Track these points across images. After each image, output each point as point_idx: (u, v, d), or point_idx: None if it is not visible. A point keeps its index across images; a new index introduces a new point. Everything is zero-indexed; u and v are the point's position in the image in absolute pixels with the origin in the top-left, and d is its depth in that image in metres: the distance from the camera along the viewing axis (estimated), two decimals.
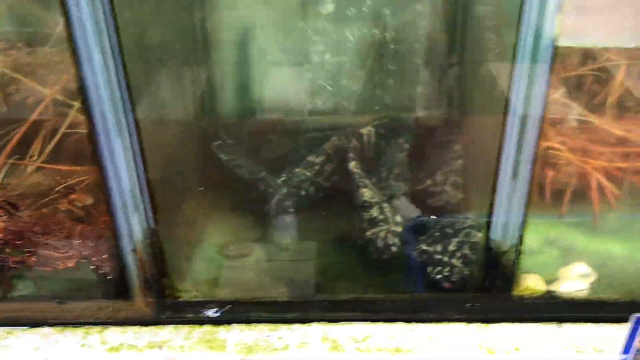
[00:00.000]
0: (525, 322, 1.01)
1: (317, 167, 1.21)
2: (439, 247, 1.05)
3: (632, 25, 0.78)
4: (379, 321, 1.02)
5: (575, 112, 1.22)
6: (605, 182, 1.22)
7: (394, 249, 1.06)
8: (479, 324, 1.02)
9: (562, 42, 0.80)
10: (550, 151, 1.16)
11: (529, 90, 0.83)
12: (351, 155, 1.17)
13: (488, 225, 0.95)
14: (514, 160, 0.88)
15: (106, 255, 0.96)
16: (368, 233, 1.07)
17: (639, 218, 1.22)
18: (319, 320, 1.02)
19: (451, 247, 1.04)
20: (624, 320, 0.96)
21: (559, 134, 1.20)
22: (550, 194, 1.21)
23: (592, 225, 1.20)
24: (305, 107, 1.32)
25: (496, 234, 0.96)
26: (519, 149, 0.88)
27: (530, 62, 0.81)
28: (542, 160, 1.19)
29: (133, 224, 0.92)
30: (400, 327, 1.02)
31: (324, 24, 1.28)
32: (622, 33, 0.79)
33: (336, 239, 1.14)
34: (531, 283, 1.02)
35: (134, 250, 0.94)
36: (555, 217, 1.21)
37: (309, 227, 1.17)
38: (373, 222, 1.08)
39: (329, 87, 1.32)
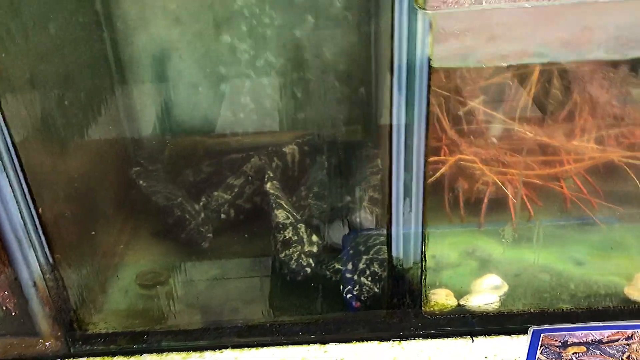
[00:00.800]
0: (437, 338, 1.02)
1: (236, 189, 1.21)
2: (350, 266, 1.05)
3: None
4: (292, 344, 1.01)
5: (488, 123, 1.23)
6: (522, 191, 1.23)
7: (308, 269, 1.06)
8: (391, 342, 1.02)
9: (436, 63, 0.81)
10: (463, 163, 1.17)
11: (408, 108, 0.84)
12: (267, 175, 1.17)
13: (389, 242, 0.95)
14: (404, 178, 0.89)
15: (8, 292, 0.95)
16: (282, 255, 1.07)
17: (558, 225, 1.23)
18: (232, 346, 1.02)
19: (361, 266, 1.04)
20: None
21: (473, 145, 1.21)
22: (468, 205, 1.22)
23: (511, 235, 1.21)
24: (226, 128, 1.32)
25: (398, 252, 0.96)
26: (407, 167, 0.88)
27: (406, 81, 0.82)
28: (455, 172, 1.20)
29: (30, 259, 0.91)
30: (313, 348, 1.01)
31: (242, 45, 1.29)
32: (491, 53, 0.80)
33: (253, 262, 1.14)
34: (440, 298, 1.02)
35: (35, 285, 0.94)
36: (475, 227, 1.22)
37: (227, 250, 1.16)
38: (287, 244, 1.08)
39: (250, 107, 1.33)
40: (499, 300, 1.04)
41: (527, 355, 0.89)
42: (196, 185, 1.25)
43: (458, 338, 1.02)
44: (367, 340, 1.02)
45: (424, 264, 0.97)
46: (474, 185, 1.21)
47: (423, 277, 0.98)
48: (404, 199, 0.91)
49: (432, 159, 1.22)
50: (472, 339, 1.02)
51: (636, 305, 1.01)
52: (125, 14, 1.22)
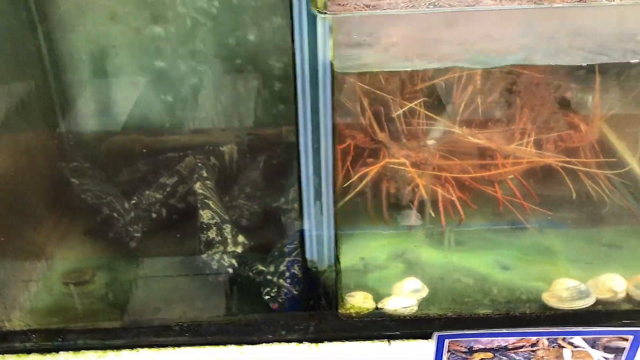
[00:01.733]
0: (355, 341, 1.02)
1: (168, 189, 1.21)
2: (272, 268, 1.06)
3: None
4: (209, 345, 1.02)
5: (422, 126, 1.23)
6: (455, 194, 1.23)
7: (230, 270, 1.06)
8: (309, 344, 1.02)
9: (339, 69, 0.81)
10: (392, 166, 1.17)
11: (313, 113, 0.84)
12: (197, 175, 1.17)
13: (302, 246, 0.95)
14: (314, 182, 0.89)
15: None
16: (204, 255, 1.07)
17: (490, 229, 1.23)
18: (149, 345, 1.02)
19: (282, 267, 1.05)
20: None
21: (403, 148, 1.21)
22: (399, 207, 1.22)
23: (440, 238, 1.21)
24: (165, 126, 1.32)
25: (312, 255, 0.96)
26: (315, 171, 0.88)
27: (310, 85, 0.82)
28: (387, 174, 1.20)
29: None
30: (229, 350, 1.02)
31: (181, 42, 1.28)
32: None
33: (180, 262, 1.14)
34: (357, 301, 1.02)
35: None
36: (405, 230, 1.22)
37: (155, 250, 1.16)
38: (209, 244, 1.08)
39: (190, 105, 1.32)
40: (417, 304, 1.04)
41: None
42: (131, 183, 1.24)
43: (375, 341, 1.02)
44: (284, 342, 1.02)
45: (338, 267, 0.97)
46: (405, 188, 1.22)
47: (338, 280, 0.98)
48: (315, 202, 0.91)
49: (369, 161, 1.24)
50: (389, 342, 1.02)
51: (552, 312, 1.02)
52: (61, 9, 1.22)
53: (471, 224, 1.24)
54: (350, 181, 1.18)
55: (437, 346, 0.89)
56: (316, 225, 0.93)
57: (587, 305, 1.01)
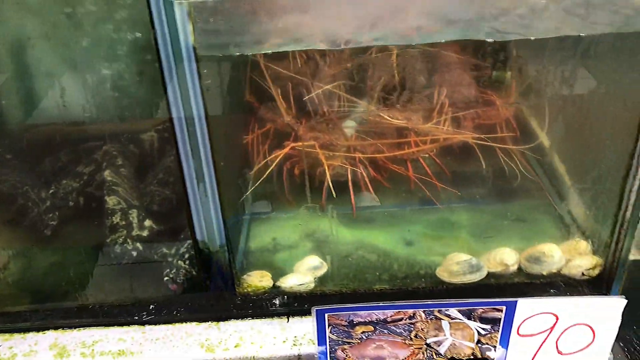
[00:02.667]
0: (253, 319, 1.05)
1: (85, 177, 1.24)
2: (174, 250, 1.08)
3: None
4: (112, 325, 1.05)
5: (333, 106, 1.25)
6: (367, 174, 1.25)
7: (134, 253, 1.09)
8: (209, 323, 1.05)
9: (203, 52, 0.83)
10: (299, 148, 1.19)
11: (183, 98, 0.86)
12: (108, 163, 1.20)
13: (192, 228, 0.98)
14: (193, 165, 0.91)
15: None
16: (109, 239, 1.10)
17: (401, 207, 1.25)
18: (55, 327, 1.05)
19: (182, 249, 1.07)
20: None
21: (312, 130, 1.23)
22: (314, 188, 1.24)
23: (352, 218, 1.23)
24: (86, 116, 1.34)
25: (202, 236, 0.98)
26: (194, 154, 0.90)
27: (176, 70, 0.84)
28: (297, 156, 1.22)
29: None
30: (132, 329, 1.05)
31: (99, 33, 1.30)
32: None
33: (93, 248, 1.17)
34: (254, 280, 1.05)
35: None
36: (318, 211, 1.24)
37: (71, 237, 1.19)
38: (114, 229, 1.11)
39: (110, 95, 1.34)
40: (314, 281, 1.06)
41: (317, 334, 0.92)
42: (51, 173, 1.27)
43: (275, 318, 1.05)
44: (185, 322, 1.05)
45: (229, 247, 0.99)
46: (318, 169, 1.24)
47: (231, 259, 1.01)
48: (198, 184, 0.93)
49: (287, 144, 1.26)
50: (288, 319, 1.05)
51: (444, 286, 1.04)
52: None
53: (383, 203, 1.26)
54: (258, 167, 1.21)
55: (317, 320, 0.92)
56: (203, 207, 0.95)
57: (478, 279, 1.04)
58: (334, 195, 1.19)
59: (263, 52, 1.00)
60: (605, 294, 1.03)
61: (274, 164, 1.20)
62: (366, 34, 0.83)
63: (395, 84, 1.27)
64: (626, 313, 0.90)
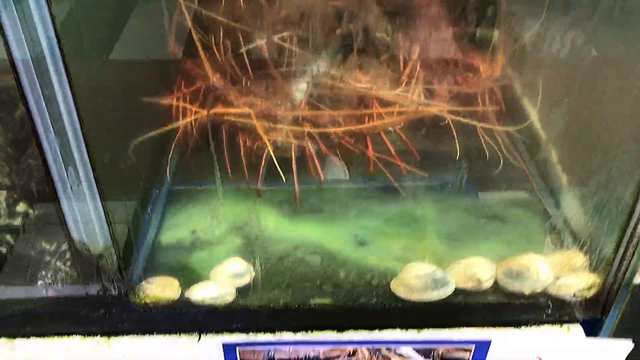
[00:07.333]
0: (154, 335, 0.82)
1: None
2: (54, 246, 0.84)
3: None
4: None
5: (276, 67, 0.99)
6: (312, 150, 1.00)
7: (2, 249, 0.85)
8: (97, 339, 0.82)
9: None
10: (240, 120, 0.94)
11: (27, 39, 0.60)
12: None
13: (64, 223, 0.73)
14: (57, 142, 0.66)
15: None
16: None
17: (356, 194, 1.02)
18: None
19: (64, 246, 0.83)
20: (270, 330, 0.78)
21: (249, 94, 0.97)
22: (251, 168, 0.99)
23: (293, 206, 0.99)
24: None
25: (79, 235, 0.74)
26: (54, 127, 0.65)
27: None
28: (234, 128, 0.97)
29: None
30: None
31: None
32: None
33: None
34: (156, 289, 0.81)
35: None
36: (252, 197, 1.00)
37: None
38: None
39: None
40: (235, 292, 0.83)
41: None
42: None
43: (182, 335, 0.82)
44: (65, 335, 0.82)
45: (117, 249, 0.75)
46: (256, 143, 0.99)
47: (120, 264, 0.77)
48: (66, 168, 0.68)
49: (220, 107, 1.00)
50: (199, 337, 0.82)
51: (399, 304, 0.82)
52: None
53: (334, 187, 1.03)
54: (178, 136, 0.96)
55: (226, 356, 0.70)
56: (76, 198, 0.70)
57: (442, 297, 0.81)
58: (284, 179, 0.94)
59: None
60: (600, 319, 0.82)
61: (177, 135, 0.94)
62: None
63: (355, 37, 1.01)
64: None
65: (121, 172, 0.81)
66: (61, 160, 0.67)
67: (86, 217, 0.72)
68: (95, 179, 0.69)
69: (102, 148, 0.72)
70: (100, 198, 0.70)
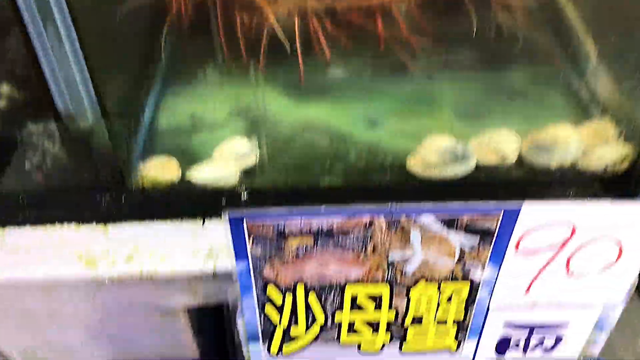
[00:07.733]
0: (155, 220, 0.77)
1: None
2: (40, 126, 0.77)
3: None
4: None
5: None
6: (318, 28, 0.92)
7: None
8: (93, 226, 0.76)
9: None
10: None
11: None
12: None
13: (44, 89, 0.65)
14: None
15: None
16: None
17: (366, 74, 0.94)
18: None
19: (51, 126, 0.76)
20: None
21: None
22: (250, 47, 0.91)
23: (299, 87, 0.92)
24: None
25: (64, 105, 0.66)
26: None
27: None
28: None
29: None
30: None
31: None
32: None
33: None
34: (154, 171, 0.75)
35: None
36: (254, 77, 0.93)
37: None
38: None
39: None
40: (239, 174, 0.77)
41: (234, 249, 0.65)
42: None
43: (185, 221, 0.78)
44: (58, 223, 0.76)
45: (108, 122, 0.68)
46: (252, 21, 0.90)
47: (113, 142, 0.70)
48: (44, 25, 0.60)
49: None
50: (203, 222, 0.77)
51: (417, 182, 0.76)
52: None
53: (342, 67, 0.95)
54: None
55: (232, 231, 0.65)
56: (58, 61, 0.63)
57: (463, 173, 0.76)
58: (289, 52, 0.86)
59: None
60: (635, 196, 0.77)
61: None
62: None
63: None
64: None
65: (110, 41, 0.73)
66: (37, 16, 0.59)
67: (71, 83, 0.65)
68: (78, 39, 0.61)
69: (86, 8, 0.64)
70: (85, 63, 0.63)
